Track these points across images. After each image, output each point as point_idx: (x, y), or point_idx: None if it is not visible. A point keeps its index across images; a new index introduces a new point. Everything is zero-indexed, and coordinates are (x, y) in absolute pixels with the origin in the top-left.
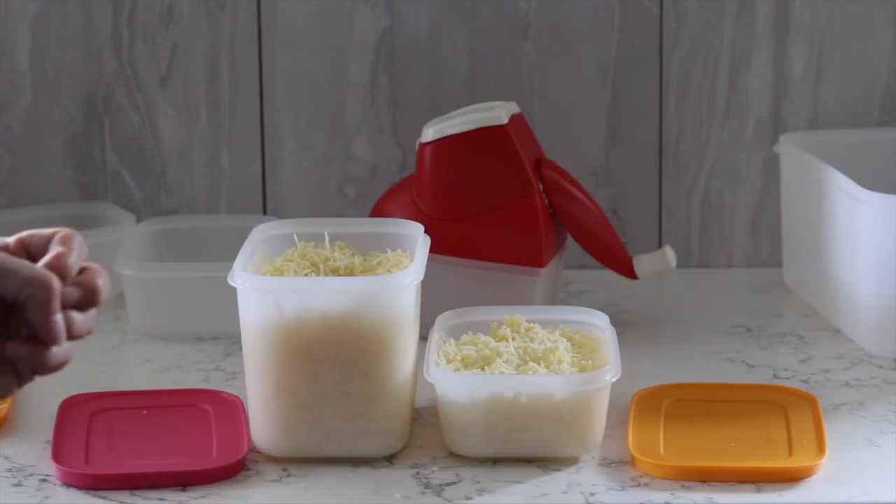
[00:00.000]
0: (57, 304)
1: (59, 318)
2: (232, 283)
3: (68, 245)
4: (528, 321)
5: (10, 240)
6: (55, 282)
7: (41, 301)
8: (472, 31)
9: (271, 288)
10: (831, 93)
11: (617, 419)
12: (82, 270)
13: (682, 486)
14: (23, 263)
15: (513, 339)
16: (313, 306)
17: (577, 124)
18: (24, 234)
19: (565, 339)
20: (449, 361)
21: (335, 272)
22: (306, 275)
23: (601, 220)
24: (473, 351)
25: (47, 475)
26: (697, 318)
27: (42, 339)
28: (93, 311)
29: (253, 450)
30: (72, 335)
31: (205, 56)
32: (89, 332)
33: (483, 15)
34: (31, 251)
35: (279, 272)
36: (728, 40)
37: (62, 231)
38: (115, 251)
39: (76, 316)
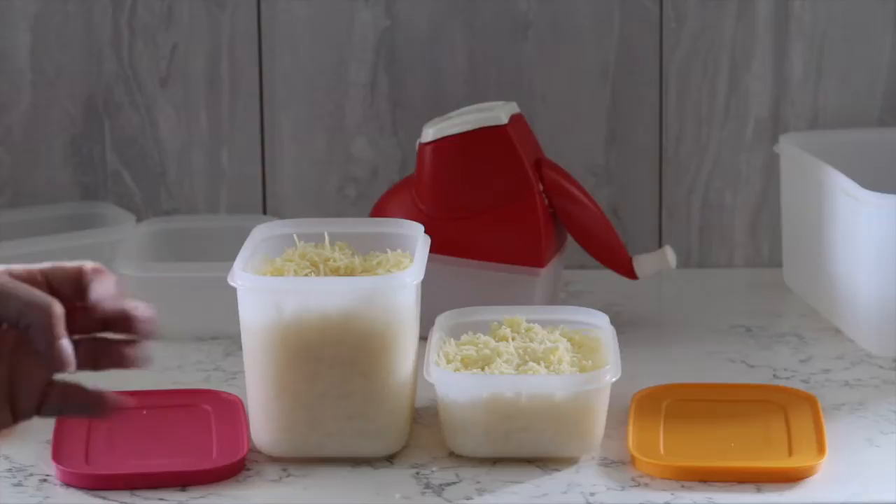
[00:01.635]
0: (61, 328)
1: (65, 342)
2: (232, 283)
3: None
4: (528, 321)
5: (35, 268)
6: (57, 307)
7: (44, 326)
8: (472, 31)
9: (271, 288)
10: (831, 93)
11: (617, 419)
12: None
13: (682, 486)
14: (23, 287)
15: (513, 339)
16: (313, 306)
17: (577, 124)
18: (46, 265)
19: (565, 339)
20: (449, 361)
21: (335, 272)
22: (306, 275)
23: (601, 220)
24: (473, 351)
25: (47, 475)
26: (697, 318)
27: (49, 365)
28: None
29: (253, 450)
30: (111, 365)
31: (205, 56)
32: (134, 364)
33: (483, 15)
34: (52, 284)
35: (279, 272)
36: (728, 40)
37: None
38: (115, 251)
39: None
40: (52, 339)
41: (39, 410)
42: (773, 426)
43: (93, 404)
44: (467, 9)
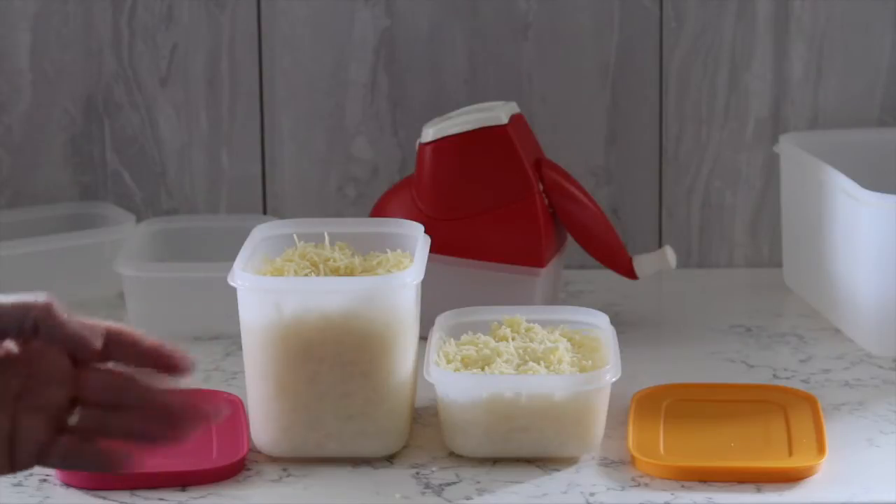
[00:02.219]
0: (65, 311)
1: (76, 322)
2: (232, 283)
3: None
4: (528, 321)
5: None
6: (47, 295)
7: (48, 317)
8: (472, 31)
9: (271, 288)
10: (831, 93)
11: (617, 419)
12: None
13: (682, 486)
14: (6, 297)
15: (513, 339)
16: (313, 306)
17: (577, 124)
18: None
19: (565, 339)
20: (449, 361)
21: (335, 272)
22: (306, 275)
23: (601, 220)
24: (473, 351)
25: (47, 475)
26: (697, 318)
27: (79, 352)
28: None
29: (253, 450)
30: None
31: (205, 56)
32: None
33: (483, 15)
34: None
35: (279, 272)
36: (728, 40)
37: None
38: (115, 251)
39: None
40: (63, 324)
41: (41, 460)
42: (773, 426)
43: (99, 461)
44: (467, 9)
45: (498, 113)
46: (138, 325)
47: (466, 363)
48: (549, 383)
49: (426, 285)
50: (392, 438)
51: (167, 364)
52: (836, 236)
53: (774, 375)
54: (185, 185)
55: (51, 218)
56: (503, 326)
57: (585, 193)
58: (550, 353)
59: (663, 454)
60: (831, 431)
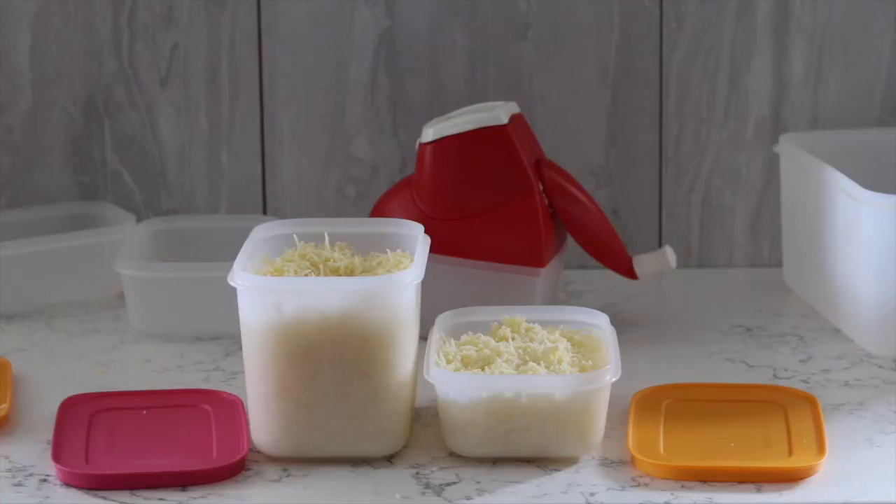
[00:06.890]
0: None
1: None
2: (232, 283)
3: None
4: (528, 321)
5: None
6: None
7: None
8: (472, 31)
9: (271, 288)
10: (831, 93)
11: (617, 419)
12: None
13: (682, 486)
14: None
15: (513, 339)
16: (313, 306)
17: (577, 124)
18: None
19: (565, 339)
20: (449, 361)
21: (335, 272)
22: (306, 275)
23: (601, 220)
24: (473, 351)
25: (47, 475)
26: (697, 318)
27: None
28: None
29: (253, 450)
30: None
31: (205, 56)
32: None
33: (483, 15)
34: None
35: (279, 272)
36: (728, 40)
37: None
38: (115, 251)
39: None
40: None
41: None
42: (773, 426)
43: None
44: (467, 9)
45: (498, 113)
46: (138, 325)
47: (466, 363)
48: (550, 383)
49: (426, 285)
50: (392, 438)
51: None
52: (836, 236)
53: (774, 375)
54: (185, 185)
55: (51, 218)
56: (503, 326)
57: (585, 194)
58: (550, 353)
59: (663, 454)
60: (831, 431)
